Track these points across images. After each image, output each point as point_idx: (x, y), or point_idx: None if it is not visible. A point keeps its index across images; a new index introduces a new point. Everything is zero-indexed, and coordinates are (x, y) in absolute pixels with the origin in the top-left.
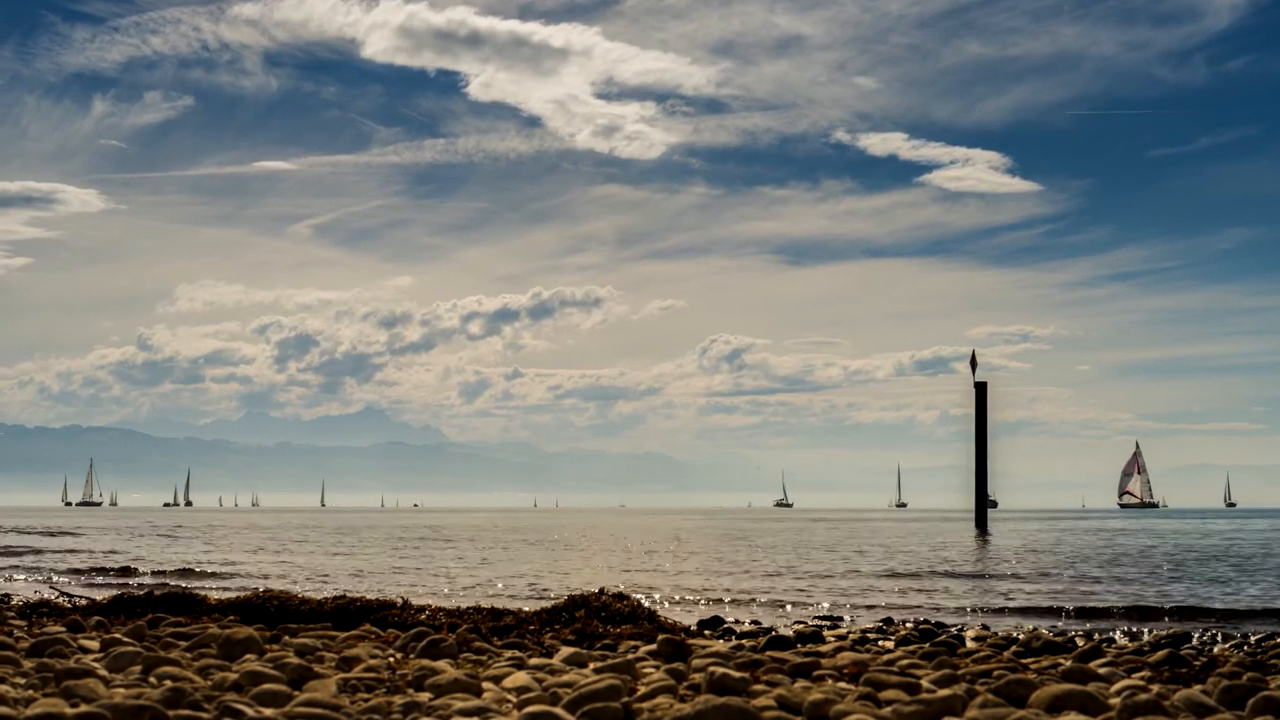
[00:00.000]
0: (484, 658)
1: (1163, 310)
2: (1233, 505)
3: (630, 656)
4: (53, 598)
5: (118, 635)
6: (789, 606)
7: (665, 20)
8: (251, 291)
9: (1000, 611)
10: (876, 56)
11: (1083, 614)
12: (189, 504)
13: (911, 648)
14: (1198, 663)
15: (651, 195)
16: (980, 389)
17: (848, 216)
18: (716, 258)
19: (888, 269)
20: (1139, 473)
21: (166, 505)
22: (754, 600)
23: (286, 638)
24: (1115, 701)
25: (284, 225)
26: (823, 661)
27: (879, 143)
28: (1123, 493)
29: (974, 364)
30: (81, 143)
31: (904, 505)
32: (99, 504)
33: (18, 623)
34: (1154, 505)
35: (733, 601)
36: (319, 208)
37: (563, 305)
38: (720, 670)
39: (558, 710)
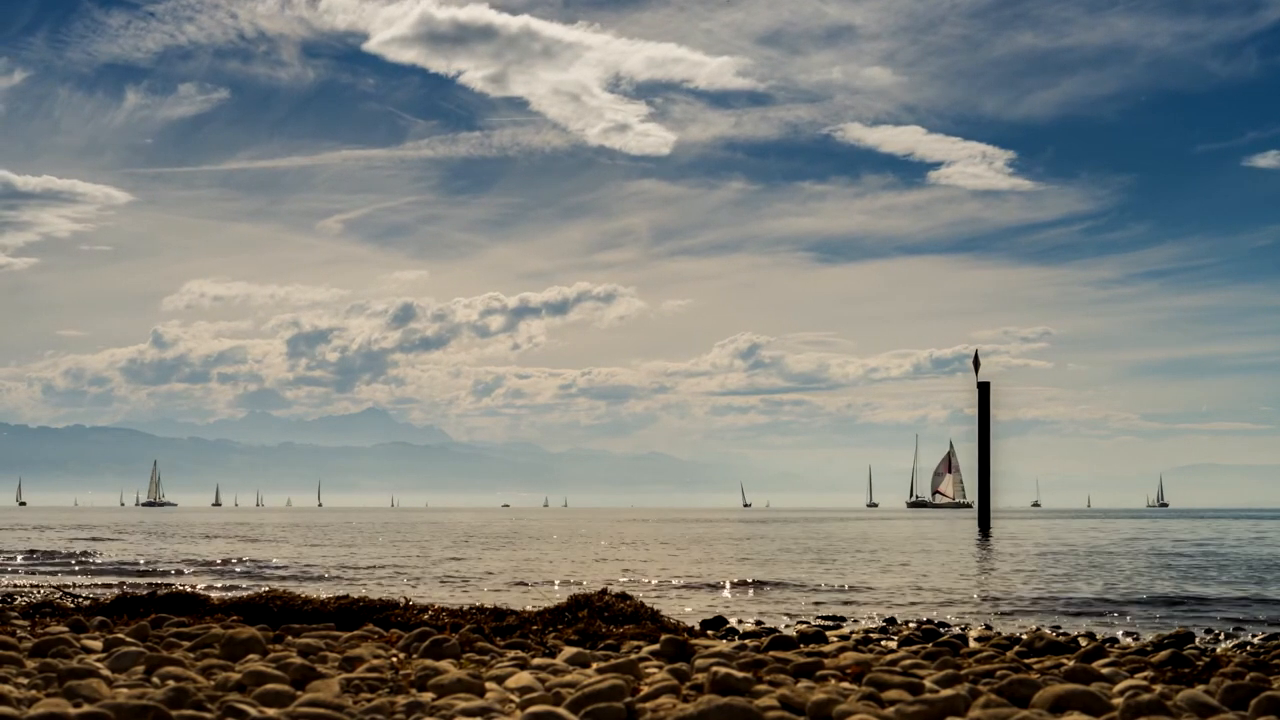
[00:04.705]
0: (487, 658)
1: (1189, 309)
2: (1165, 505)
3: (633, 656)
4: (55, 598)
5: (121, 635)
6: (798, 591)
7: (713, 9)
8: (268, 287)
9: (1002, 611)
10: (926, 47)
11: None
12: (168, 503)
13: (914, 648)
14: (1200, 663)
15: (688, 191)
16: (983, 389)
17: (885, 213)
18: (748, 255)
19: (920, 266)
20: (950, 472)
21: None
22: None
23: (289, 638)
24: (1118, 702)
25: (313, 221)
26: (826, 662)
27: (917, 138)
28: (934, 491)
29: (976, 364)
30: (112, 137)
31: (875, 505)
32: (160, 505)
33: (21, 623)
34: (967, 505)
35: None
36: (351, 203)
37: (581, 302)
38: (723, 670)
39: (561, 710)
